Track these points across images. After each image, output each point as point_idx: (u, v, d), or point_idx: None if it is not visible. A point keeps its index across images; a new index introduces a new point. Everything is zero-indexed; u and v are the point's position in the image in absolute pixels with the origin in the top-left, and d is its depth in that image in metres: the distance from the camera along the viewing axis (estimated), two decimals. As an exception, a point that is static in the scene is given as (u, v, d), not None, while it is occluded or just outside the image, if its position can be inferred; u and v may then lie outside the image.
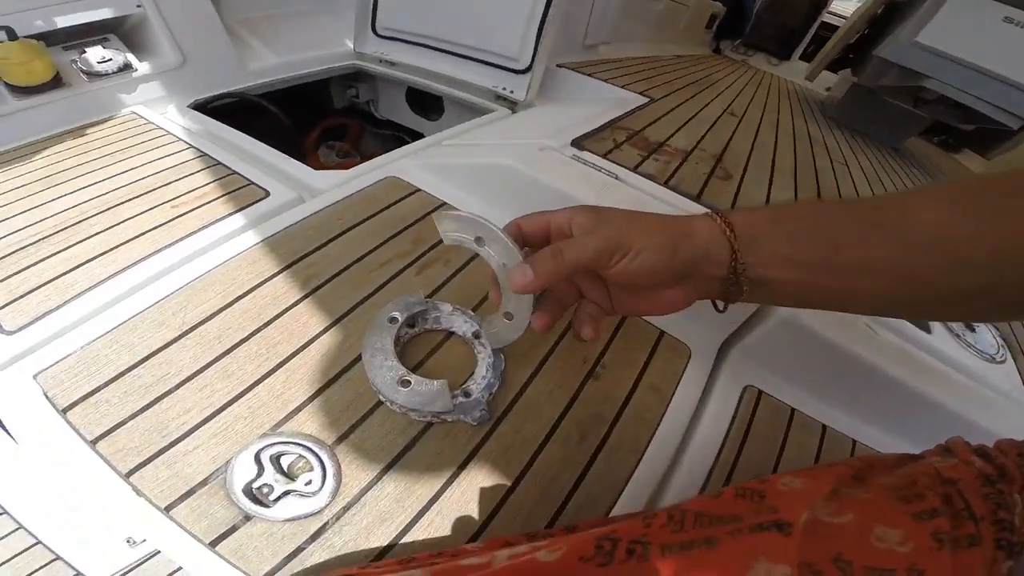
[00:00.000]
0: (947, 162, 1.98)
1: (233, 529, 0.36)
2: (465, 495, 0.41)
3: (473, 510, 0.41)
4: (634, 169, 0.78)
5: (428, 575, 0.24)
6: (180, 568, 0.35)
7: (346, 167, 0.78)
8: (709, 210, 0.35)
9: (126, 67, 0.89)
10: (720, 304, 0.37)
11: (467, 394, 0.46)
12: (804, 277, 0.32)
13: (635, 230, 0.34)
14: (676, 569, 0.24)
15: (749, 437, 0.54)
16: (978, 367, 0.64)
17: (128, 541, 0.69)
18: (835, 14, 3.30)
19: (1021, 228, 0.26)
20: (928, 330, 0.66)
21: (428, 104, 1.29)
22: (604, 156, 0.79)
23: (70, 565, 0.85)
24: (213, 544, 0.35)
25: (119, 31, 0.94)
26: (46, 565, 0.88)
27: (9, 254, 0.55)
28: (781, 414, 0.58)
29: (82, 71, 0.85)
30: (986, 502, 0.27)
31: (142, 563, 0.86)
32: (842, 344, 0.57)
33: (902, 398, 0.57)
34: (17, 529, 0.88)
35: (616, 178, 0.72)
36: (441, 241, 0.63)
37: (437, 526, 0.39)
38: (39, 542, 0.87)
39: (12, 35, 0.76)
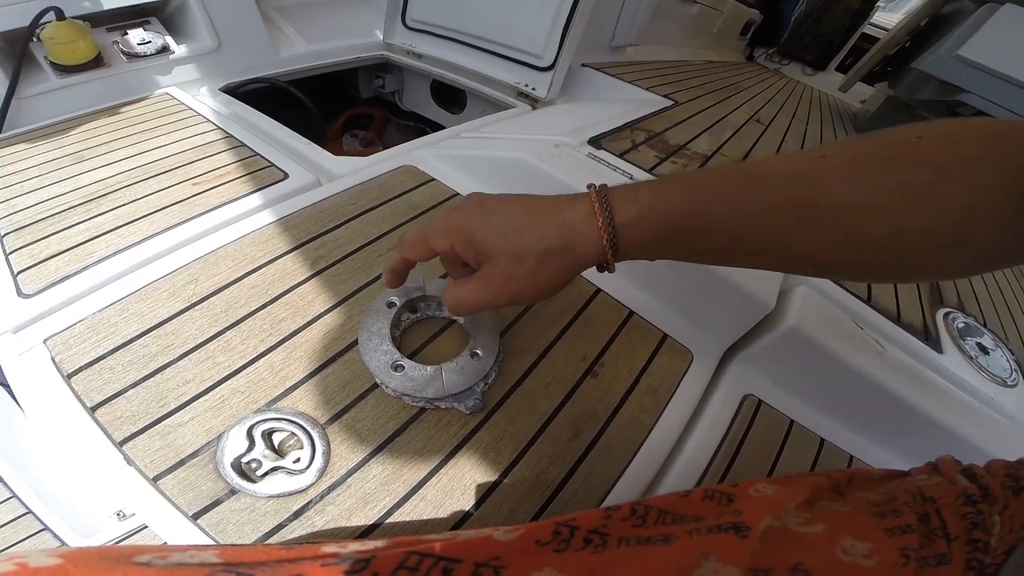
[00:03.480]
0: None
1: (217, 502, 0.36)
2: (452, 483, 0.41)
3: (458, 499, 0.41)
4: (650, 170, 0.77)
5: (389, 542, 0.24)
6: (164, 543, 0.35)
7: (366, 155, 0.79)
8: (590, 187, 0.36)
9: (164, 49, 0.92)
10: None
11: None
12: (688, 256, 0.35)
13: (489, 224, 0.35)
14: (627, 562, 0.24)
15: (744, 446, 0.53)
16: (989, 390, 0.62)
17: (118, 514, 0.70)
18: (877, 26, 3.20)
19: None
20: (940, 350, 0.64)
21: (451, 98, 1.30)
22: (621, 156, 0.78)
23: (56, 536, 0.87)
24: (195, 516, 0.36)
25: (161, 14, 0.97)
26: (32, 536, 0.89)
27: (37, 221, 0.57)
28: (779, 425, 0.57)
29: (122, 52, 0.89)
30: (963, 521, 0.26)
31: (127, 537, 0.86)
32: (850, 359, 0.55)
33: (906, 417, 0.56)
34: (10, 498, 0.89)
35: (630, 178, 0.71)
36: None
37: (420, 512, 0.39)
38: (29, 511, 0.88)
39: (60, 15, 0.79)
